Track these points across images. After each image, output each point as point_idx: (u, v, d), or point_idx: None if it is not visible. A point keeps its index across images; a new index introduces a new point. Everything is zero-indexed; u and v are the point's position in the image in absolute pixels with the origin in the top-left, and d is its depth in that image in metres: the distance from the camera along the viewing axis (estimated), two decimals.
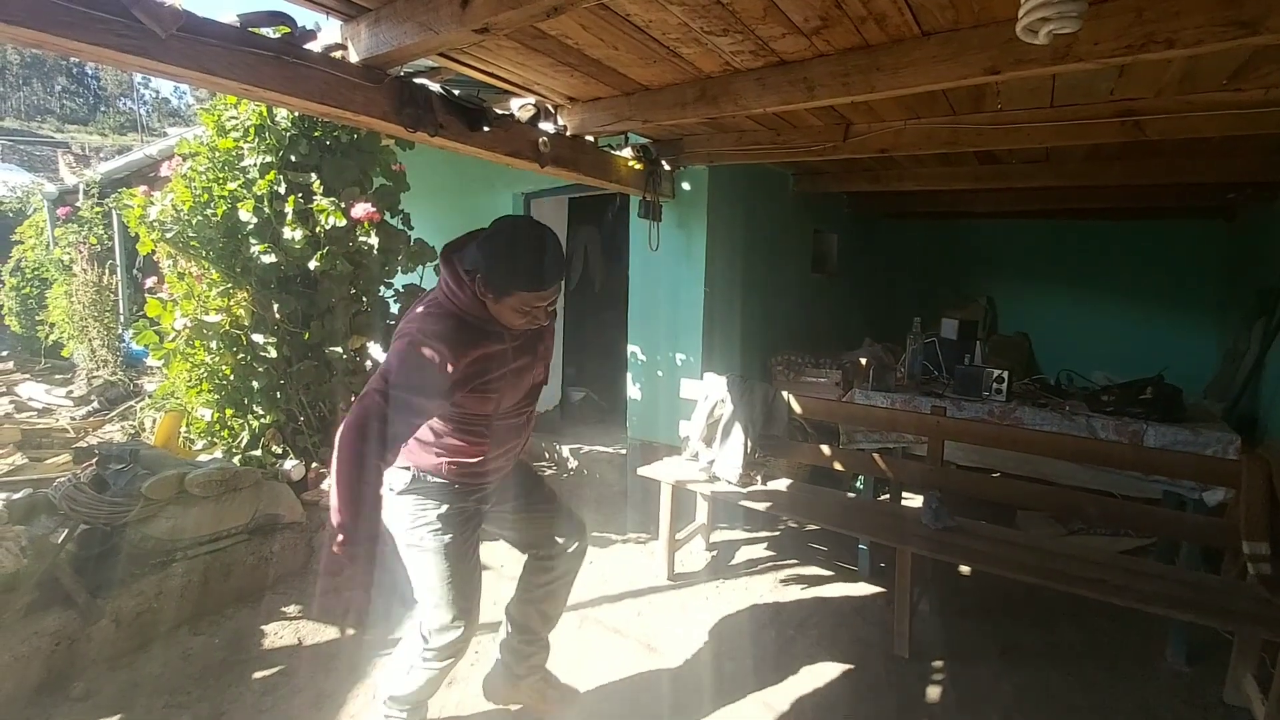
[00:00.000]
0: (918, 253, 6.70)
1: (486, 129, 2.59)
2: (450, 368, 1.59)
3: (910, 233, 6.70)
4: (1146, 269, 5.66)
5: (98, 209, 6.80)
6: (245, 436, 3.13)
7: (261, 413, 3.08)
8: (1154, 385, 2.89)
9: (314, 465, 3.15)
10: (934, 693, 2.29)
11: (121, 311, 6.56)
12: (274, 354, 2.97)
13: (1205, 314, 5.35)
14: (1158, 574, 2.26)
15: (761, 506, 2.90)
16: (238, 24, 1.90)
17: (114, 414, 4.98)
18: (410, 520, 1.75)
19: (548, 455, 4.58)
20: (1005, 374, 3.13)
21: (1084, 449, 2.58)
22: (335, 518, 1.56)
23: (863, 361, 3.70)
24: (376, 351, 3.36)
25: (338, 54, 2.09)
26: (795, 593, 2.96)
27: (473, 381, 1.66)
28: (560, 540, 2.03)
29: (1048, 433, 2.74)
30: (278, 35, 1.99)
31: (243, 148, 2.95)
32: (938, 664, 2.44)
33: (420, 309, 1.70)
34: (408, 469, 1.76)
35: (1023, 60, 1.81)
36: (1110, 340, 5.72)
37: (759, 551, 3.39)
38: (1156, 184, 3.91)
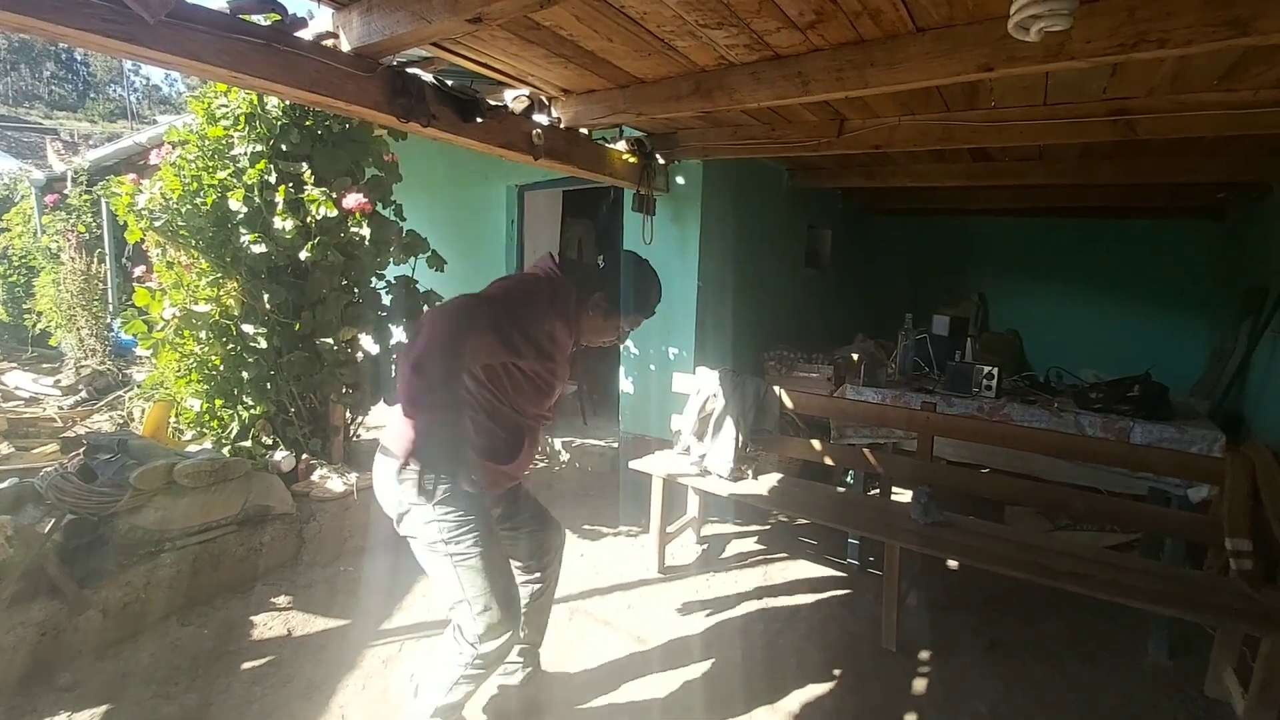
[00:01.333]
0: (911, 249, 6.72)
1: (480, 120, 2.57)
2: (543, 320, 1.78)
3: (903, 229, 6.72)
4: (1137, 268, 5.70)
5: (86, 197, 6.72)
6: (235, 427, 3.12)
7: (251, 403, 3.06)
8: (1141, 383, 2.91)
9: (304, 456, 3.14)
10: (920, 685, 2.31)
11: (110, 300, 6.50)
12: (264, 345, 2.95)
13: (1195, 313, 5.40)
14: (1142, 569, 2.29)
15: (752, 500, 2.91)
16: (227, 10, 1.88)
17: (102, 403, 4.94)
18: (451, 530, 1.70)
19: (540, 448, 4.58)
20: (995, 371, 3.15)
21: (1071, 445, 2.60)
22: (436, 462, 1.53)
23: (855, 357, 3.70)
24: (368, 343, 3.34)
25: (329, 42, 2.07)
26: (785, 586, 2.98)
27: (543, 353, 1.79)
28: (551, 552, 2.09)
29: (1036, 429, 2.76)
30: (268, 22, 1.97)
31: (233, 136, 2.92)
32: (924, 657, 2.47)
33: (530, 282, 1.85)
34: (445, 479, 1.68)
35: (1016, 57, 1.82)
36: (1100, 338, 5.78)
37: (749, 545, 3.40)
38: (1148, 183, 3.93)
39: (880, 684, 2.30)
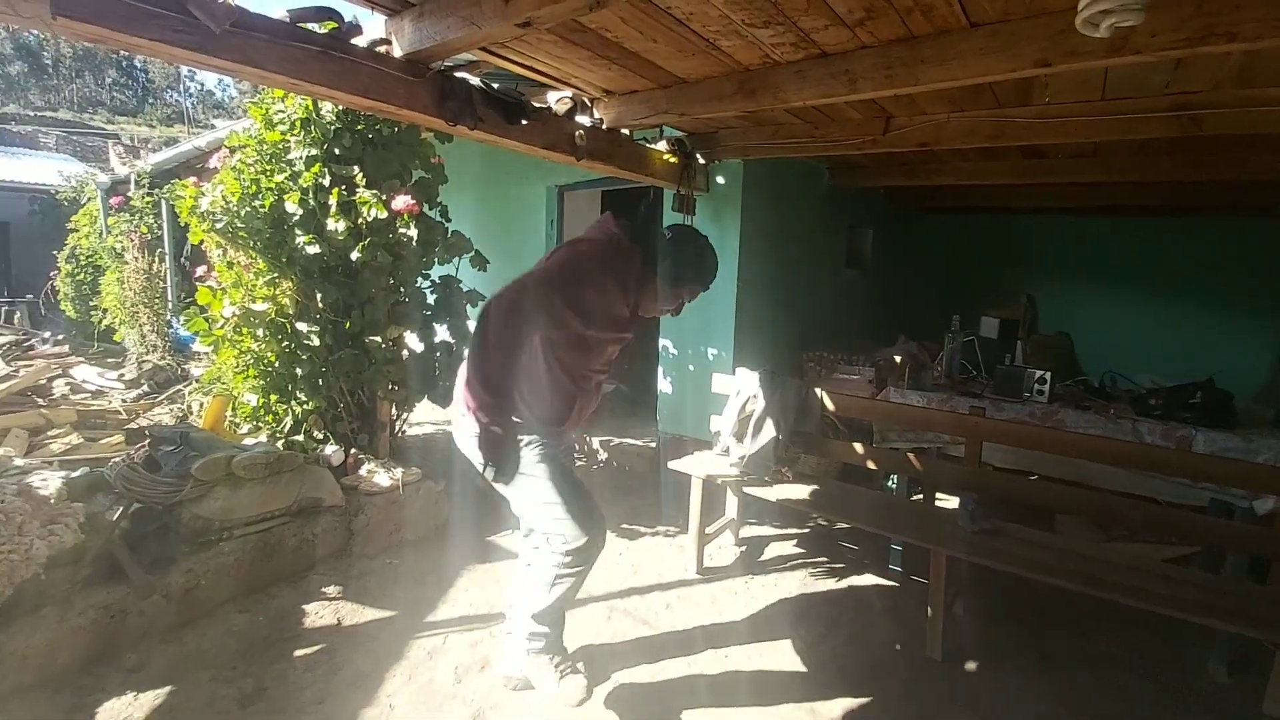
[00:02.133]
0: (956, 248, 6.57)
1: (524, 122, 2.61)
2: (593, 292, 1.91)
3: (948, 228, 6.57)
4: (1197, 268, 5.46)
5: (148, 199, 7.03)
6: (289, 422, 3.23)
7: (304, 399, 3.17)
8: (1204, 389, 2.79)
9: (352, 451, 3.23)
10: (966, 696, 2.26)
11: (169, 298, 6.79)
12: (317, 342, 3.04)
13: (1259, 315, 5.15)
14: (1201, 583, 2.20)
15: (792, 504, 2.88)
16: (287, 19, 1.94)
17: (163, 397, 5.16)
18: (543, 452, 1.98)
19: (578, 447, 4.62)
20: (1048, 375, 3.06)
21: (1130, 453, 2.51)
22: (480, 396, 1.84)
23: (898, 359, 3.65)
24: (413, 341, 3.42)
25: (382, 49, 2.13)
26: (825, 591, 2.95)
27: (592, 321, 1.93)
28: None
29: (1091, 436, 2.67)
30: (325, 30, 2.03)
31: (289, 141, 3.03)
32: (970, 667, 2.41)
33: (586, 253, 1.96)
34: (515, 420, 1.96)
35: (1076, 52, 1.77)
36: (1157, 341, 5.54)
37: (789, 548, 3.38)
38: (1209, 180, 3.76)
39: (924, 694, 2.26)
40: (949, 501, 3.41)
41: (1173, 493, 2.73)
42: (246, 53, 1.85)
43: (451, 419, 2.12)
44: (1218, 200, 4.54)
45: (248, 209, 2.90)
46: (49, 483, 2.35)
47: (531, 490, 1.98)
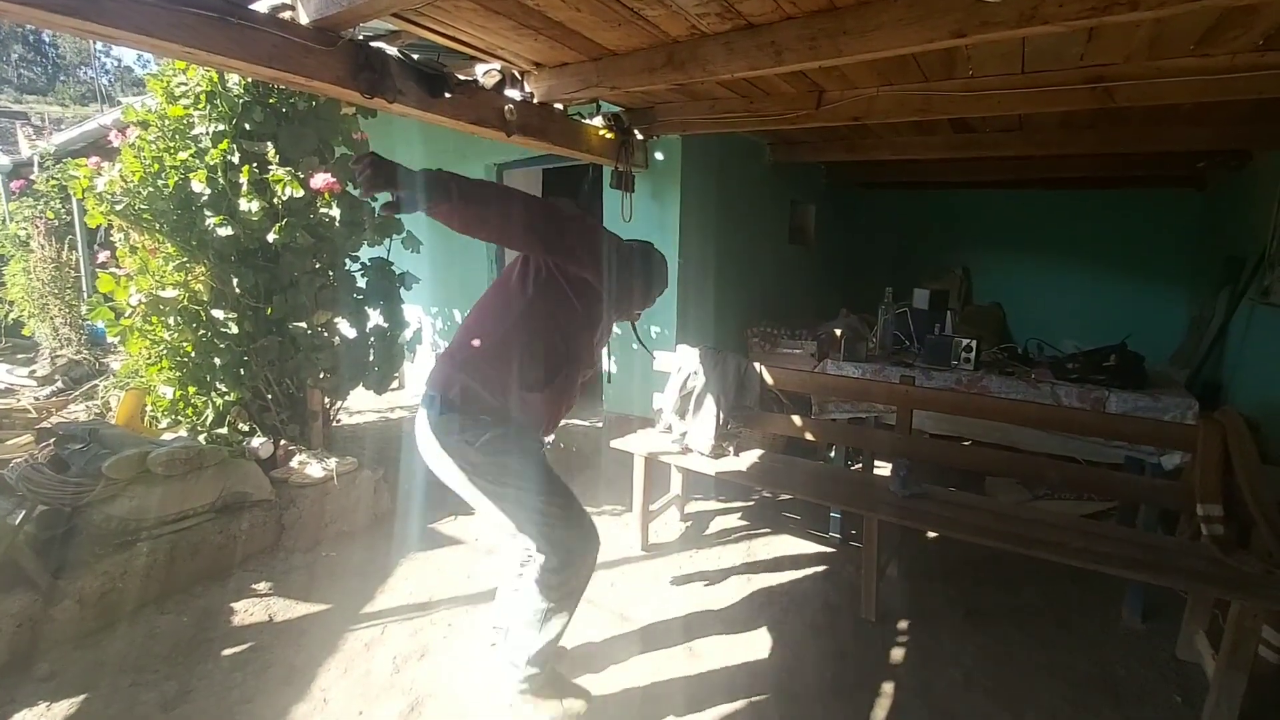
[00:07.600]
0: (896, 223, 6.71)
1: (448, 95, 2.52)
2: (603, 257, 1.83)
3: (888, 203, 6.70)
4: (1120, 238, 5.72)
5: (53, 182, 6.55)
6: (210, 414, 3.07)
7: (225, 390, 3.01)
8: (1117, 352, 2.93)
9: (282, 442, 3.10)
10: (898, 654, 2.34)
11: (84, 288, 6.38)
12: (235, 330, 2.89)
13: (1177, 282, 5.44)
14: (1116, 536, 2.31)
15: (734, 477, 2.91)
16: None
17: (78, 393, 4.86)
18: (497, 470, 1.80)
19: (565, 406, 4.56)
20: (974, 343, 3.15)
21: (1047, 415, 2.61)
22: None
23: (837, 332, 3.70)
24: (344, 326, 3.29)
25: (286, 14, 2.01)
26: (767, 561, 3.00)
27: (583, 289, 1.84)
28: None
29: (1013, 400, 2.77)
30: None
31: (193, 116, 2.83)
32: (902, 626, 2.50)
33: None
34: (484, 421, 1.78)
35: (989, 23, 1.79)
36: (1084, 309, 5.81)
37: (732, 522, 3.42)
38: (1129, 153, 3.92)
39: (859, 653, 2.33)
40: (887, 469, 3.50)
41: (1091, 452, 2.86)
42: (130, 18, 1.72)
43: None
44: (1139, 172, 4.75)
45: (150, 189, 2.71)
46: None
47: (515, 506, 1.82)
